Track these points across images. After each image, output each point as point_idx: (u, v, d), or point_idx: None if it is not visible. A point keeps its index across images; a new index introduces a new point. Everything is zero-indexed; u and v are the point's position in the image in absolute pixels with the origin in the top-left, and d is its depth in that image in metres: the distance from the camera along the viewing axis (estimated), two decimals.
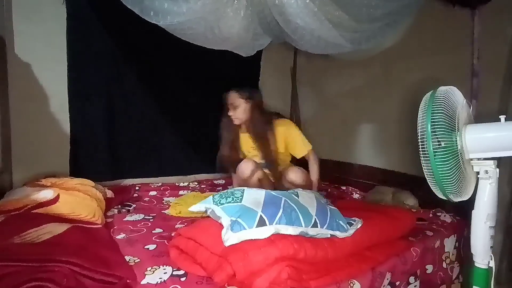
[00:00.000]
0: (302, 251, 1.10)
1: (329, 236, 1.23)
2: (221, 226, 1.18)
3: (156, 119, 2.45)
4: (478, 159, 1.04)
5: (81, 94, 2.15)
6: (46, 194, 1.52)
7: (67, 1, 2.03)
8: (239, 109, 2.01)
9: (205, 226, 1.26)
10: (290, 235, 1.16)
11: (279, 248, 1.08)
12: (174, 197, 2.15)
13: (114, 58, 2.24)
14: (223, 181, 2.61)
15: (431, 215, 1.80)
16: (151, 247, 1.34)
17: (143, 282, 1.07)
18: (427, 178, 1.06)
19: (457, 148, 1.02)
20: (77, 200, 1.55)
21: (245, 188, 1.35)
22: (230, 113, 2.04)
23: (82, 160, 2.19)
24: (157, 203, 2.02)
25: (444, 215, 1.76)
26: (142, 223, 1.63)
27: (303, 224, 1.17)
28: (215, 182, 2.59)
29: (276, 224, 1.14)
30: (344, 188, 2.46)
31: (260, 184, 1.91)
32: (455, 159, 1.01)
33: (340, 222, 1.27)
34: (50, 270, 0.98)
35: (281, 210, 1.18)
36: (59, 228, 1.29)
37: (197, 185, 2.44)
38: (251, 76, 2.94)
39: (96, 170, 2.23)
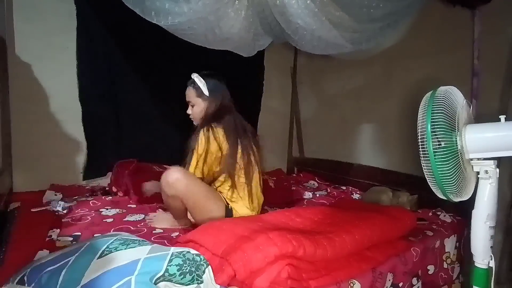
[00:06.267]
0: (301, 249, 1.10)
1: None
2: (221, 227, 1.18)
3: (158, 119, 2.46)
4: (478, 159, 1.04)
5: (83, 94, 2.16)
6: None
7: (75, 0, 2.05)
8: (195, 108, 1.63)
9: (205, 227, 1.26)
10: (288, 233, 1.16)
11: (278, 245, 1.08)
12: None
13: (117, 59, 2.24)
14: None
15: (431, 214, 1.81)
16: None
17: None
18: (427, 178, 1.06)
19: (457, 148, 1.02)
20: None
21: None
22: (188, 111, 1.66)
23: (83, 161, 2.19)
24: (157, 203, 2.01)
25: (444, 215, 1.77)
26: (142, 223, 1.63)
27: None
28: None
29: None
30: (344, 188, 2.46)
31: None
32: (455, 159, 1.01)
33: None
34: None
35: None
36: None
37: None
38: (256, 76, 2.95)
39: (98, 170, 2.24)
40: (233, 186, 1.54)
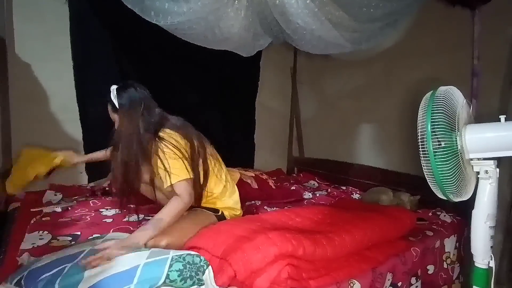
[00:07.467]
0: (301, 248, 1.10)
1: None
2: (220, 229, 1.19)
3: None
4: (478, 159, 1.04)
5: (83, 94, 2.15)
6: None
7: (69, 1, 2.04)
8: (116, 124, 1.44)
9: (203, 232, 1.26)
10: (288, 232, 1.16)
11: (278, 245, 1.08)
12: None
13: (116, 58, 2.24)
14: None
15: (431, 214, 1.80)
16: None
17: None
18: (427, 178, 1.05)
19: (457, 148, 1.02)
20: None
21: None
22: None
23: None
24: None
25: (444, 215, 1.76)
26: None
27: None
28: None
29: None
30: (344, 188, 2.46)
31: None
32: (455, 159, 1.01)
33: None
34: None
35: None
36: None
37: None
38: (251, 76, 2.94)
39: (98, 170, 2.23)
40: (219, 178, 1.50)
